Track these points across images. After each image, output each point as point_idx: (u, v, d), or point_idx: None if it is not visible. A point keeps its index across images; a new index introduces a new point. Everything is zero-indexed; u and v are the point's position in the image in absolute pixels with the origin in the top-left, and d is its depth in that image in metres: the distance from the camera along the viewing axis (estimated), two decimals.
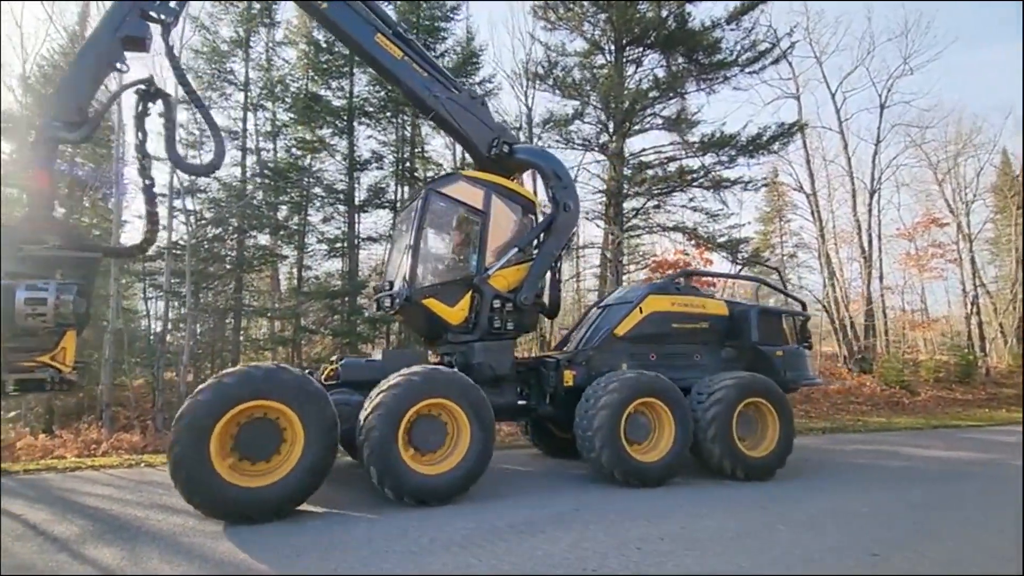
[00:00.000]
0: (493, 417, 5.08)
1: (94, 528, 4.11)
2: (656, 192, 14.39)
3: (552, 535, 4.01)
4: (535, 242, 6.48)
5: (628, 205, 14.51)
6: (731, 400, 5.73)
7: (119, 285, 11.23)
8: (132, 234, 19.47)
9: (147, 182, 4.89)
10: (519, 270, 6.15)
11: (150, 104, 4.85)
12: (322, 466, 4.42)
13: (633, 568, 3.41)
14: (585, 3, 14.22)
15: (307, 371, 5.38)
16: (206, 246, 13.84)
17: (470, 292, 5.90)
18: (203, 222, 13.89)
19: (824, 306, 20.85)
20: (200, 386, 4.32)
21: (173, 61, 5.22)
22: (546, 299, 6.66)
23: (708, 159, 13.86)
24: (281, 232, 14.59)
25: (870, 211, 21.04)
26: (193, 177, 12.56)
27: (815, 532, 4.18)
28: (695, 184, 14.11)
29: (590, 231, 25.03)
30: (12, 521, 4.27)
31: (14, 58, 20.57)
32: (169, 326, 12.71)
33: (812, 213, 21.50)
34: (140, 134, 4.85)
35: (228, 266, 13.83)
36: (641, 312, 6.40)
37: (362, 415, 4.65)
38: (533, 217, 6.58)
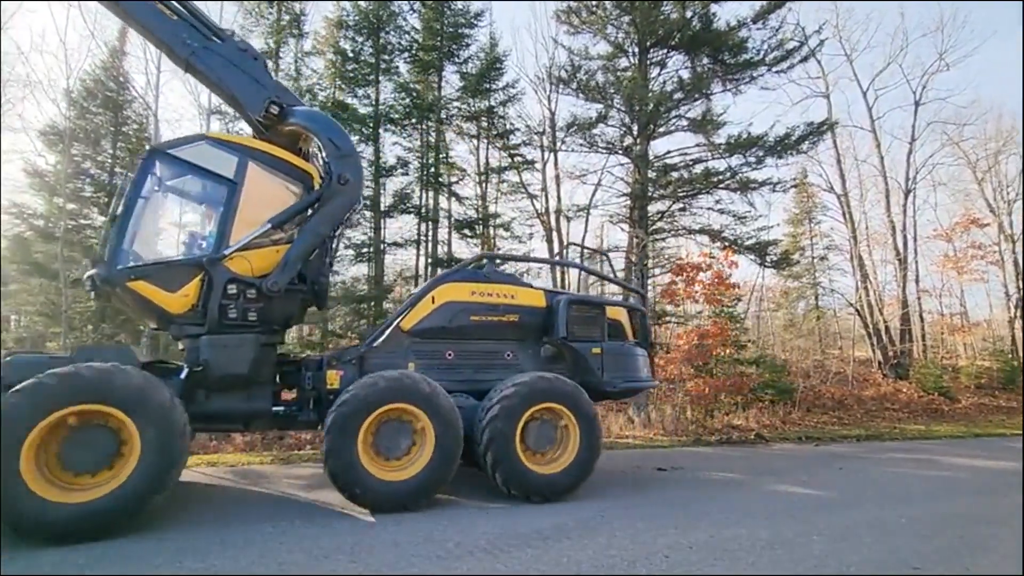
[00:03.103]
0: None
1: (128, 524, 4.23)
2: (681, 195, 14.21)
3: (579, 542, 3.97)
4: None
5: (653, 208, 14.35)
6: (513, 406, 4.98)
7: None
8: None
9: None
10: (276, 251, 5.23)
11: None
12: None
13: None
14: (608, 6, 14.17)
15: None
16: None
17: (200, 275, 4.93)
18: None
19: (857, 310, 20.28)
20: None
21: None
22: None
23: (735, 160, 13.62)
24: None
25: (905, 212, 20.46)
26: None
27: (850, 544, 4.05)
28: (721, 186, 13.88)
29: (615, 235, 24.85)
30: None
31: (59, 73, 21.50)
32: None
33: (843, 214, 20.97)
34: None
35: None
36: (433, 302, 5.53)
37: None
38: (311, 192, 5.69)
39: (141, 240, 4.99)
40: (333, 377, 5.23)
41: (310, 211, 5.44)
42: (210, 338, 4.89)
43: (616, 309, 6.65)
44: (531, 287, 6.14)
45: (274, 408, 5.22)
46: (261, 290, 5.01)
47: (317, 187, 5.58)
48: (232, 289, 4.95)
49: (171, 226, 5.47)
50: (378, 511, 4.57)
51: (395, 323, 5.61)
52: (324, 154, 5.64)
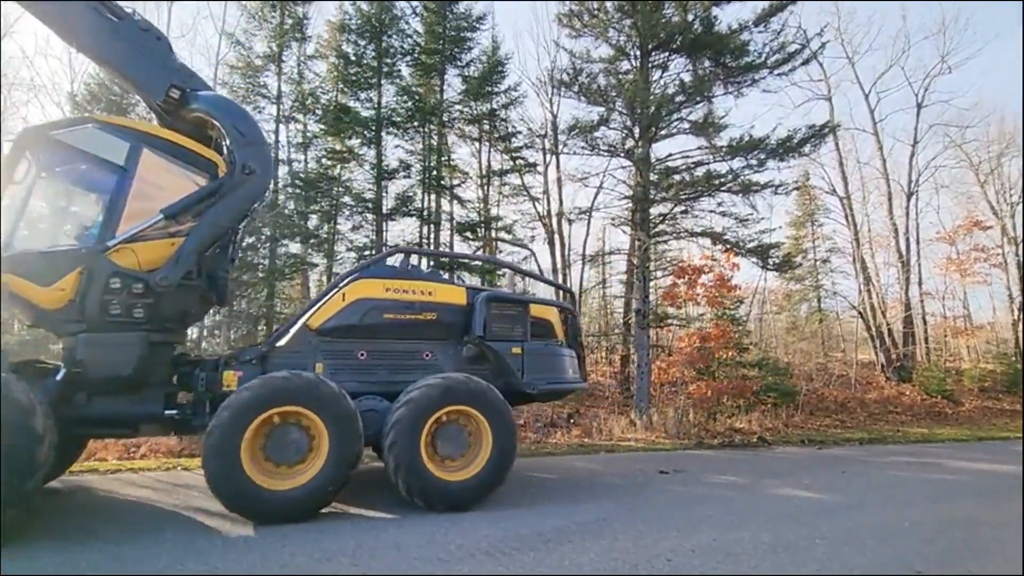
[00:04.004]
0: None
1: (131, 527, 4.24)
2: (683, 197, 14.18)
3: (581, 545, 3.97)
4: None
5: (655, 211, 14.34)
6: (420, 409, 4.74)
7: None
8: None
9: None
10: (172, 244, 4.89)
11: None
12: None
13: None
14: (610, 8, 14.20)
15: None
16: (239, 255, 14.25)
17: (79, 269, 4.53)
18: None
19: (859, 312, 20.23)
20: None
21: None
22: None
23: (737, 163, 13.61)
24: (312, 240, 14.93)
25: (907, 214, 20.44)
26: None
27: (854, 547, 4.03)
28: (723, 189, 13.86)
29: (617, 237, 24.84)
30: (59, 519, 4.45)
31: (63, 77, 21.57)
32: (204, 332, 13.12)
33: (846, 217, 20.95)
34: None
35: (261, 274, 14.19)
36: (344, 299, 5.25)
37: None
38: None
39: (13, 230, 4.57)
40: (230, 378, 4.92)
41: (209, 202, 5.06)
42: (88, 336, 4.54)
43: (544, 308, 6.38)
44: (452, 284, 5.83)
45: (167, 412, 4.88)
46: (149, 285, 4.65)
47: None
48: (115, 284, 4.57)
49: (52, 215, 5.03)
50: (264, 523, 4.26)
51: (302, 321, 5.31)
52: (228, 142, 5.34)
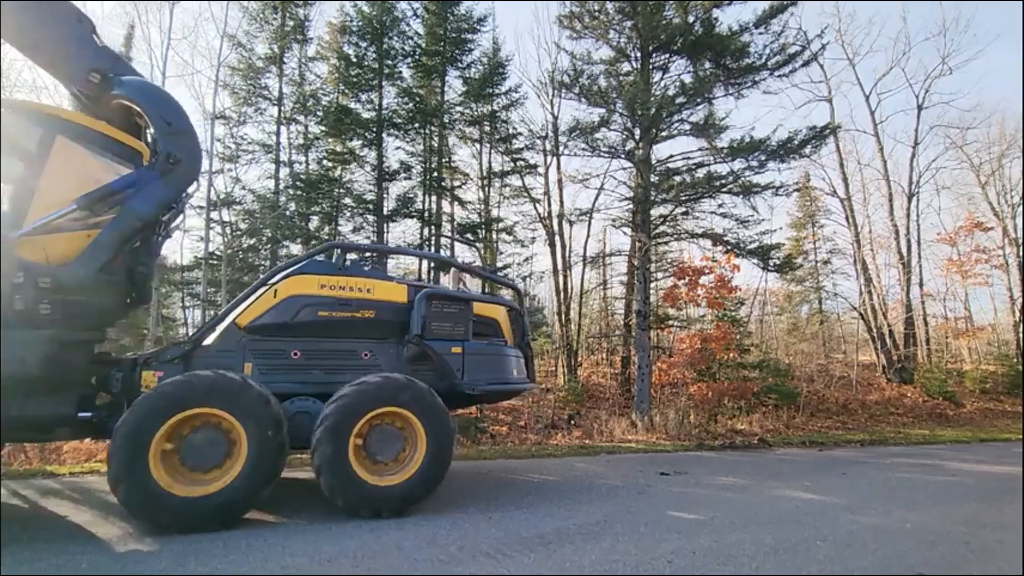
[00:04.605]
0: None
1: (131, 527, 4.25)
2: (684, 199, 14.21)
3: (582, 547, 3.97)
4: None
5: (656, 212, 14.36)
6: (349, 410, 4.55)
7: (159, 294, 11.66)
8: (171, 245, 20.09)
9: None
10: (88, 236, 4.60)
11: None
12: None
13: None
14: (610, 10, 14.22)
15: None
16: (241, 256, 14.28)
17: None
18: (238, 233, 14.34)
19: (860, 314, 20.23)
20: None
21: None
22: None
23: (737, 164, 13.63)
24: (313, 242, 14.94)
25: (908, 215, 20.43)
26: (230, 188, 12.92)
27: (855, 549, 4.03)
28: (724, 190, 13.88)
29: (617, 239, 24.85)
30: (59, 519, 4.45)
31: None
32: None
33: (847, 218, 20.94)
34: None
35: (262, 275, 14.22)
36: (276, 296, 5.03)
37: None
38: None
39: None
40: (150, 379, 4.70)
41: (129, 193, 4.78)
42: None
43: (489, 306, 6.16)
44: (393, 280, 5.59)
45: (80, 414, 4.56)
46: (58, 280, 4.38)
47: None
48: (19, 278, 4.26)
49: None
50: (167, 531, 4.03)
51: (230, 319, 5.06)
52: (152, 130, 5.04)
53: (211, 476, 4.23)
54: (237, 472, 4.21)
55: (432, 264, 14.55)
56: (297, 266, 5.36)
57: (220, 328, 5.12)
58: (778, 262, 14.07)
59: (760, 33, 13.85)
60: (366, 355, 5.31)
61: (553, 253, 17.42)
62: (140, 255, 5.15)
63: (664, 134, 14.11)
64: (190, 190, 5.47)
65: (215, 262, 13.17)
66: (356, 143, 15.21)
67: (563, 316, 17.32)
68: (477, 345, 5.63)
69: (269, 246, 14.48)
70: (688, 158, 14.21)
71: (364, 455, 4.65)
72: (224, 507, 4.16)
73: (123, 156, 4.97)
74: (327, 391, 4.83)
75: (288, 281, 5.12)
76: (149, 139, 5.26)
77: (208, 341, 5.04)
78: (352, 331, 5.26)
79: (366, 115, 15.07)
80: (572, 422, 12.16)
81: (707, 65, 14.03)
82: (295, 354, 5.09)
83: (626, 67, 14.81)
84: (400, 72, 15.92)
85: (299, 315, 5.03)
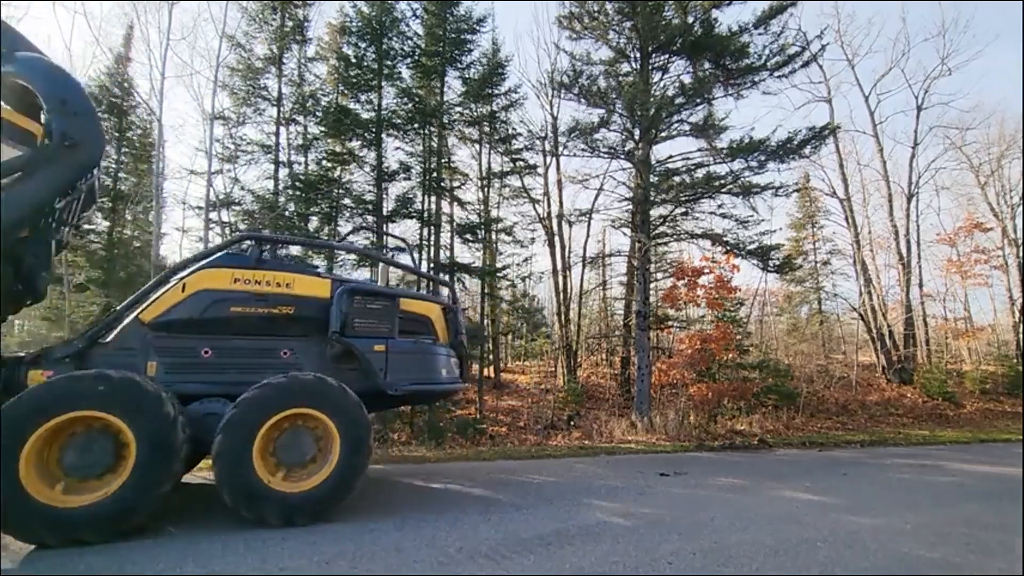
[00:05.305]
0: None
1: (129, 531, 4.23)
2: (683, 199, 14.21)
3: (581, 548, 3.95)
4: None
5: (655, 212, 14.36)
6: (253, 411, 4.27)
7: None
8: (171, 245, 20.13)
9: None
10: None
11: None
12: None
13: None
14: (610, 11, 14.23)
15: None
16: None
17: None
18: (237, 233, 14.31)
19: (860, 314, 20.23)
20: None
21: None
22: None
23: (737, 165, 13.62)
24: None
25: (907, 216, 20.45)
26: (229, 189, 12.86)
27: (856, 550, 4.02)
28: (723, 191, 13.88)
29: (617, 239, 24.85)
30: None
31: None
32: None
33: (846, 219, 20.97)
34: None
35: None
36: (184, 290, 4.73)
37: None
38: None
39: None
40: (38, 378, 4.34)
41: (15, 177, 4.39)
42: None
43: (420, 303, 5.92)
44: (316, 274, 5.31)
45: None
46: None
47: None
48: None
49: None
50: (55, 546, 3.73)
51: (133, 314, 4.72)
52: (46, 109, 4.63)
53: (99, 483, 3.92)
54: (124, 480, 3.90)
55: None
56: (208, 259, 5.06)
57: (122, 325, 4.76)
58: (778, 263, 14.07)
59: (760, 34, 13.86)
60: (285, 354, 5.04)
61: (553, 253, 17.45)
62: (31, 247, 4.74)
63: (664, 134, 14.11)
64: (92, 176, 5.09)
65: None
66: (355, 143, 15.19)
67: (563, 317, 17.32)
68: (403, 343, 5.37)
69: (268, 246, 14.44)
70: (688, 158, 14.22)
71: (273, 460, 4.39)
72: (107, 518, 3.83)
73: (16, 140, 4.60)
74: (242, 392, 4.49)
75: (198, 275, 4.84)
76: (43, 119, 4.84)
77: (108, 338, 4.70)
78: (270, 328, 4.99)
79: (365, 115, 15.05)
80: (572, 423, 12.15)
81: (706, 66, 14.04)
82: (206, 352, 4.80)
83: (626, 68, 14.82)
84: (399, 72, 15.91)
85: (208, 310, 4.76)
